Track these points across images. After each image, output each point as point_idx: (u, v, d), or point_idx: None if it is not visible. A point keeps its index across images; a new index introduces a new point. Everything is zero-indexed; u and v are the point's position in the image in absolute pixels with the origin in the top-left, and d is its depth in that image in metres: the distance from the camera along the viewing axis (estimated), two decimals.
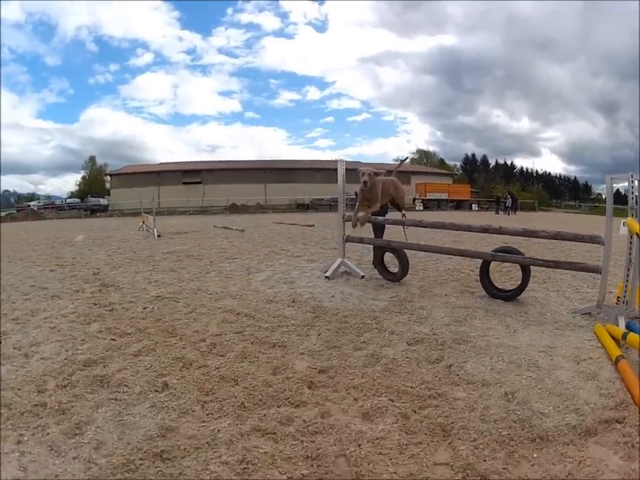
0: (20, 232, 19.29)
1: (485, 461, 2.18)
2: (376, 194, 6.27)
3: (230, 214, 32.38)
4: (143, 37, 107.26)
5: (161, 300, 5.39)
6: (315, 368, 3.29)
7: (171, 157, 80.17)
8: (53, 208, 45.02)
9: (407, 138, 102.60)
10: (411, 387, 2.95)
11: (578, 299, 5.35)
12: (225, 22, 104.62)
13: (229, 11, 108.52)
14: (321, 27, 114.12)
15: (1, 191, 64.29)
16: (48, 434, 2.55)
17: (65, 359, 3.59)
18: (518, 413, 2.60)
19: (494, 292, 5.38)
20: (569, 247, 9.58)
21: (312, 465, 2.21)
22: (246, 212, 34.10)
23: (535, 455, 2.23)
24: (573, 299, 5.40)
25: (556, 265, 5.32)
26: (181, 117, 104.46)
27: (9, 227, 25.13)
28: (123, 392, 3.03)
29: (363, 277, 6.44)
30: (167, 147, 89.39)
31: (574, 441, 2.33)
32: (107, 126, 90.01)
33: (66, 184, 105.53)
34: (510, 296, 5.26)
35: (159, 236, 13.47)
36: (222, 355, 3.61)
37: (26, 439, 2.51)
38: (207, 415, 2.72)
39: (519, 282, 5.33)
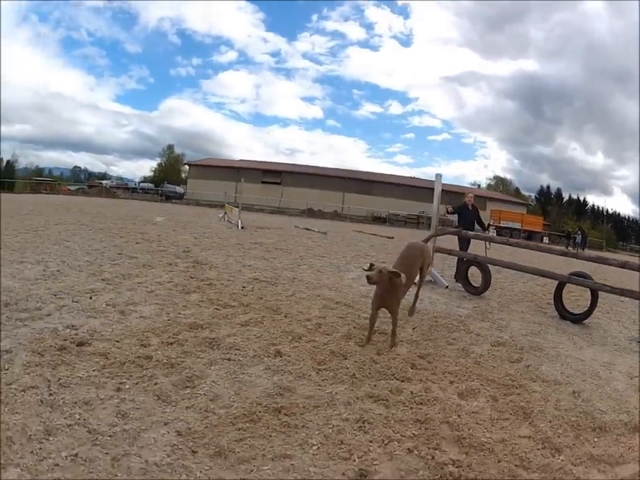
0: (95, 206, 20.45)
1: (558, 437, 2.73)
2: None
3: (307, 217, 33.03)
4: (227, 35, 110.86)
5: (259, 282, 6.08)
6: (415, 353, 3.95)
7: (249, 155, 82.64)
8: (126, 189, 46.90)
9: (485, 163, 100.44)
10: (497, 378, 3.57)
11: (635, 329, 5.91)
12: (310, 28, 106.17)
13: (314, 17, 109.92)
14: (405, 41, 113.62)
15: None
16: (155, 384, 2.85)
17: (168, 320, 4.09)
18: (583, 407, 3.19)
19: (565, 314, 5.98)
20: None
21: (420, 428, 2.67)
22: (322, 217, 34.55)
23: (595, 439, 2.79)
24: (631, 328, 6.02)
25: (621, 292, 5.78)
26: (262, 117, 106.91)
27: (81, 200, 27.35)
28: (236, 354, 3.46)
29: (446, 287, 7.14)
30: (246, 146, 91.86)
31: (625, 433, 2.89)
32: (187, 117, 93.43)
33: (139, 168, 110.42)
34: (578, 318, 5.88)
35: (242, 227, 14.47)
36: (328, 334, 4.18)
37: (127, 387, 2.80)
38: (322, 380, 3.17)
39: (587, 307, 5.95)
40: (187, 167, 55.72)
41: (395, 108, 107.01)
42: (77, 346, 3.40)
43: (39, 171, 57.41)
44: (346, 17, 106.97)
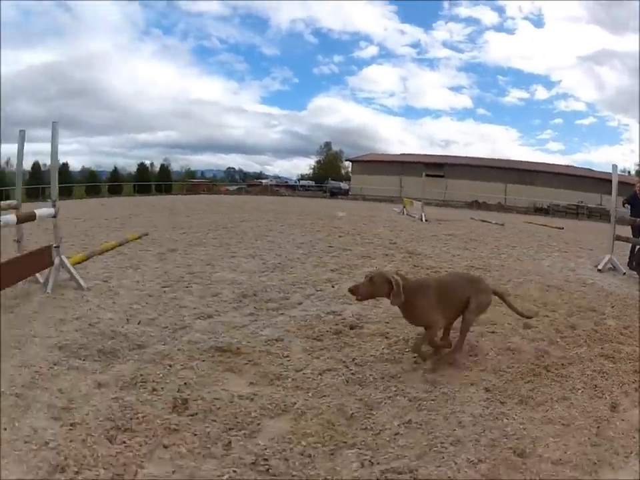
0: (266, 204, 22.59)
1: None
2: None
3: (474, 209, 32.62)
4: (364, 31, 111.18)
5: (474, 269, 6.70)
6: (620, 325, 4.41)
7: (404, 149, 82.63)
8: (287, 187, 49.70)
9: (631, 147, 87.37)
10: None
11: None
12: (444, 16, 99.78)
13: (445, 4, 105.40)
14: (537, 22, 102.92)
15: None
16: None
17: None
18: None
19: None
20: None
21: None
22: (488, 209, 33.80)
23: None
24: None
25: None
26: (413, 109, 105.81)
27: (248, 199, 29.70)
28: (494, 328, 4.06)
29: (624, 273, 7.46)
30: (400, 139, 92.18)
31: None
32: (337, 115, 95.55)
33: (295, 166, 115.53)
34: None
35: (426, 220, 15.34)
36: (554, 311, 4.74)
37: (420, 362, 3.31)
38: (566, 345, 3.77)
39: None
40: (346, 163, 58.01)
41: (541, 93, 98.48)
42: (350, 329, 3.88)
43: (190, 174, 60.23)
44: (475, 1, 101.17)
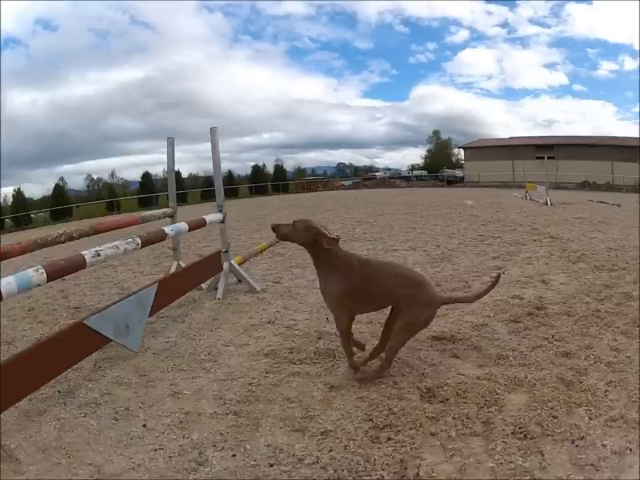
0: (389, 197, 22.49)
1: None
2: None
3: (586, 190, 30.78)
4: (452, 15, 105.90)
5: (612, 251, 6.62)
6: None
7: (510, 132, 78.72)
8: (400, 178, 49.15)
9: None
10: None
11: None
12: None
13: None
14: None
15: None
16: None
17: (581, 285, 4.87)
18: None
19: None
20: None
21: None
22: (597, 189, 31.65)
23: None
24: None
25: None
26: (512, 91, 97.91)
27: (368, 193, 29.21)
28: None
29: None
30: (504, 122, 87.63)
31: None
32: (440, 102, 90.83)
33: (404, 157, 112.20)
34: None
35: (551, 204, 14.95)
36: None
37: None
38: None
39: None
40: (456, 150, 56.80)
41: (629, 63, 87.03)
42: (537, 310, 4.10)
43: (302, 172, 59.93)
44: None
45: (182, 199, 36.86)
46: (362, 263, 2.88)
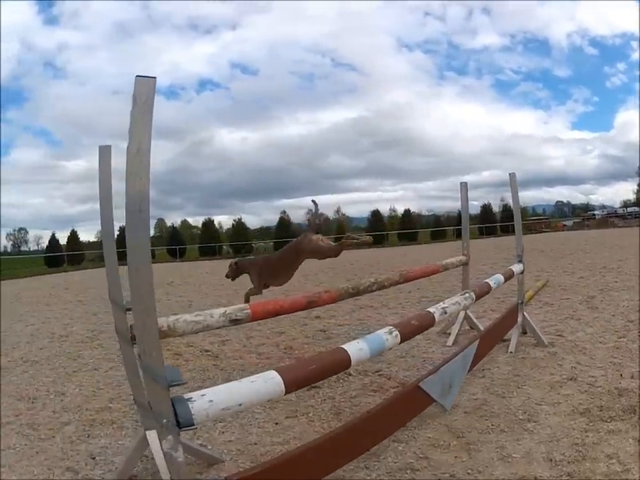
0: (619, 238, 20.86)
1: None
2: None
3: None
4: (630, 30, 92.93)
5: None
6: None
7: None
8: (616, 217, 46.55)
9: None
10: None
11: None
12: None
13: None
14: None
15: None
16: None
17: None
18: None
19: None
20: None
21: None
22: None
23: None
24: None
25: None
26: None
27: (594, 234, 27.87)
28: None
29: None
30: None
31: None
32: None
33: (617, 193, 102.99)
34: None
35: None
36: None
37: None
38: None
39: None
40: None
41: None
42: None
43: (524, 211, 58.31)
44: None
45: (410, 238, 36.95)
46: None
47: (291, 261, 4.21)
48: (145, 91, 1.48)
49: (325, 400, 3.77)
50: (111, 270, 2.51)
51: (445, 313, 2.89)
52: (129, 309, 2.12)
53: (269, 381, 1.78)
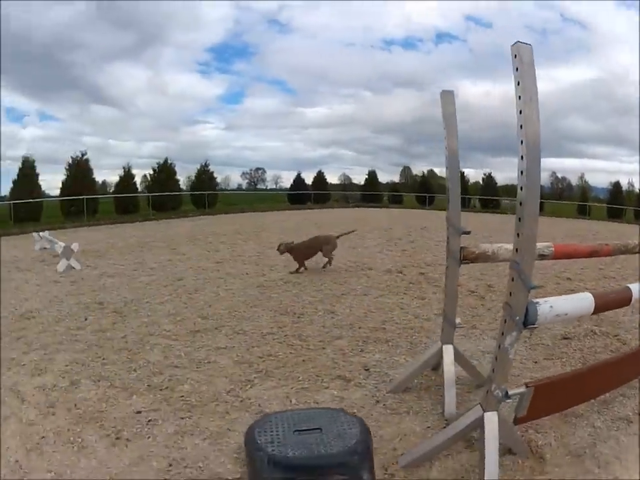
0: None
1: None
2: None
3: None
4: None
5: None
6: None
7: None
8: None
9: None
10: None
11: None
12: None
13: None
14: None
15: None
16: None
17: None
18: None
19: None
20: None
21: None
22: None
23: None
24: None
25: None
26: None
27: None
28: None
29: None
30: None
31: None
32: None
33: None
34: None
35: None
36: None
37: None
38: None
39: None
40: None
41: None
42: None
43: None
44: None
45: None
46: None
47: (315, 249, 7.47)
48: (526, 53, 1.86)
49: (575, 350, 4.07)
50: (454, 200, 2.83)
51: None
52: (466, 232, 2.68)
53: (584, 300, 2.24)
